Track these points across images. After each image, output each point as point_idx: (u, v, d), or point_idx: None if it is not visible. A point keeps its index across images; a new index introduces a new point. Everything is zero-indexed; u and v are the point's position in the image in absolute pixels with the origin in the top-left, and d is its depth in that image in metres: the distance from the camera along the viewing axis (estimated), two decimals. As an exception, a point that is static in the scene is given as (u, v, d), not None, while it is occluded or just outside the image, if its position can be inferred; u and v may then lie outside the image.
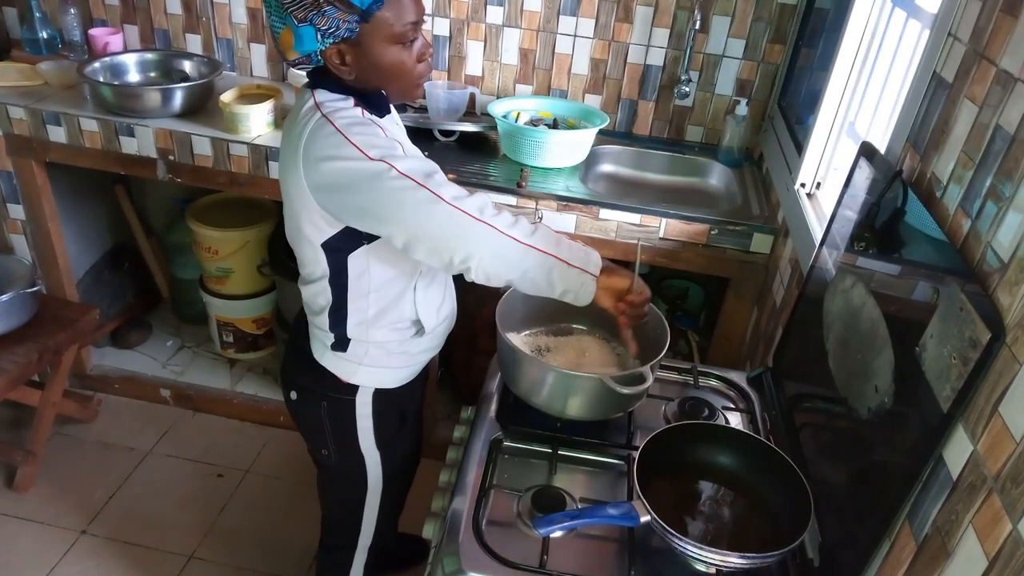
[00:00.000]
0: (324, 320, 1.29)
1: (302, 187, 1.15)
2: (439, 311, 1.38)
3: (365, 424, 1.38)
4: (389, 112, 1.27)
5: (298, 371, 1.39)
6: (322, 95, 1.17)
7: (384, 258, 1.23)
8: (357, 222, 1.16)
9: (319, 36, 1.10)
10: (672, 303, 2.37)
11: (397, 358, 1.35)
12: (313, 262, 1.24)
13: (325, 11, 1.07)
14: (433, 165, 1.16)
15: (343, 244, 1.20)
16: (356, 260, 1.22)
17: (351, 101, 1.18)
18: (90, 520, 2.10)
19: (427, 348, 1.40)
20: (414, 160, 1.15)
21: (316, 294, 1.28)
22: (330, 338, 1.31)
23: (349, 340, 1.31)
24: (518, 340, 1.40)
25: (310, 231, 1.20)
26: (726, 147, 2.17)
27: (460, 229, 1.11)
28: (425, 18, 1.19)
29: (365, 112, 1.18)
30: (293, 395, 1.41)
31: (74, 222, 2.37)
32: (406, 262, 1.24)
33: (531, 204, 1.89)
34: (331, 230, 1.18)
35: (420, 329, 1.34)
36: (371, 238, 1.19)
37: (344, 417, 1.37)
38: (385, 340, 1.31)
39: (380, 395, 1.37)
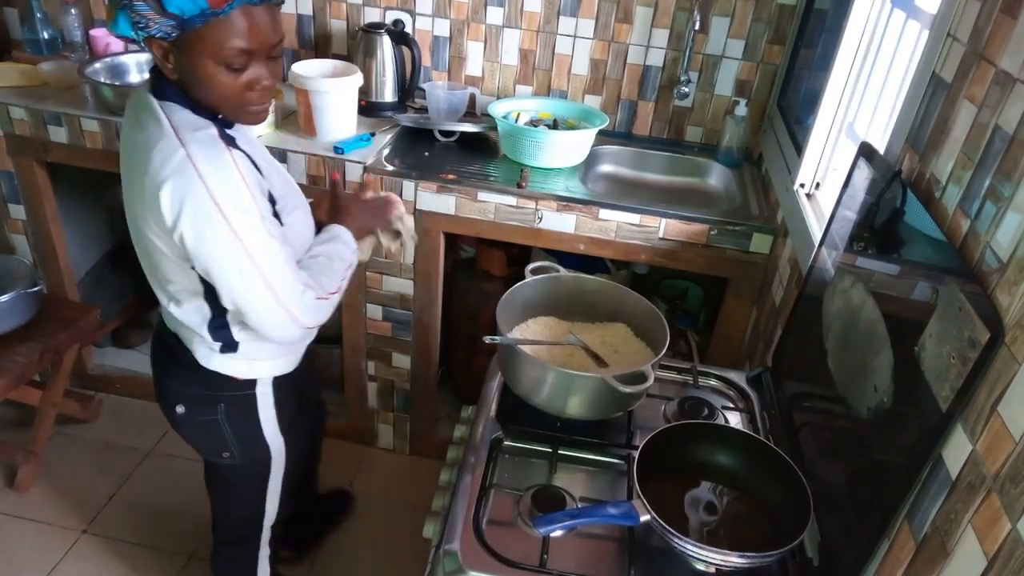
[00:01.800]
0: (205, 332, 1.26)
1: (159, 223, 1.11)
2: None
3: (267, 415, 1.38)
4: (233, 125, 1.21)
5: (181, 384, 1.34)
6: (176, 113, 1.11)
7: None
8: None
9: (133, 26, 1.05)
10: (672, 303, 2.37)
11: (275, 347, 1.33)
12: (182, 282, 1.21)
13: (136, 6, 1.02)
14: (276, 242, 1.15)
15: None
16: None
17: (212, 128, 1.12)
18: (91, 519, 2.10)
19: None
20: (267, 239, 1.14)
21: (191, 312, 1.24)
22: (216, 345, 1.28)
23: (237, 343, 1.29)
24: (528, 331, 1.40)
25: (170, 255, 1.17)
26: (725, 147, 2.17)
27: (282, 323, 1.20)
28: (276, 53, 1.11)
29: (222, 139, 1.12)
30: (180, 409, 1.35)
31: (75, 222, 2.37)
32: None
33: (531, 204, 1.90)
34: (172, 252, 1.17)
35: None
36: None
37: (244, 414, 1.36)
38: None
39: (278, 382, 1.38)
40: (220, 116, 1.16)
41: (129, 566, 1.99)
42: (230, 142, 1.14)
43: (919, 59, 1.19)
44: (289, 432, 1.43)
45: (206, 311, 1.24)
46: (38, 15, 2.30)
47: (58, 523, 2.08)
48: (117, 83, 2.13)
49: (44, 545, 2.01)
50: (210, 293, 1.21)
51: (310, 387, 1.61)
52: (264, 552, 1.60)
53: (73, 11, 2.30)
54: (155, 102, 1.12)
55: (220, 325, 1.26)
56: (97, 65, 2.11)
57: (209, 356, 1.30)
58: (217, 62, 1.06)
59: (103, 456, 2.30)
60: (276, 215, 1.20)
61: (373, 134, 2.03)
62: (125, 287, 2.66)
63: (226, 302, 1.18)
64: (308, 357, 1.51)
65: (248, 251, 1.11)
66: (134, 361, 2.59)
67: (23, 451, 2.14)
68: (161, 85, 1.13)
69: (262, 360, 1.34)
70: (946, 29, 1.11)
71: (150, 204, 1.10)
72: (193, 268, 1.17)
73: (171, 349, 1.32)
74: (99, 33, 2.29)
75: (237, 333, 1.28)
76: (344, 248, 1.32)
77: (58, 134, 2.06)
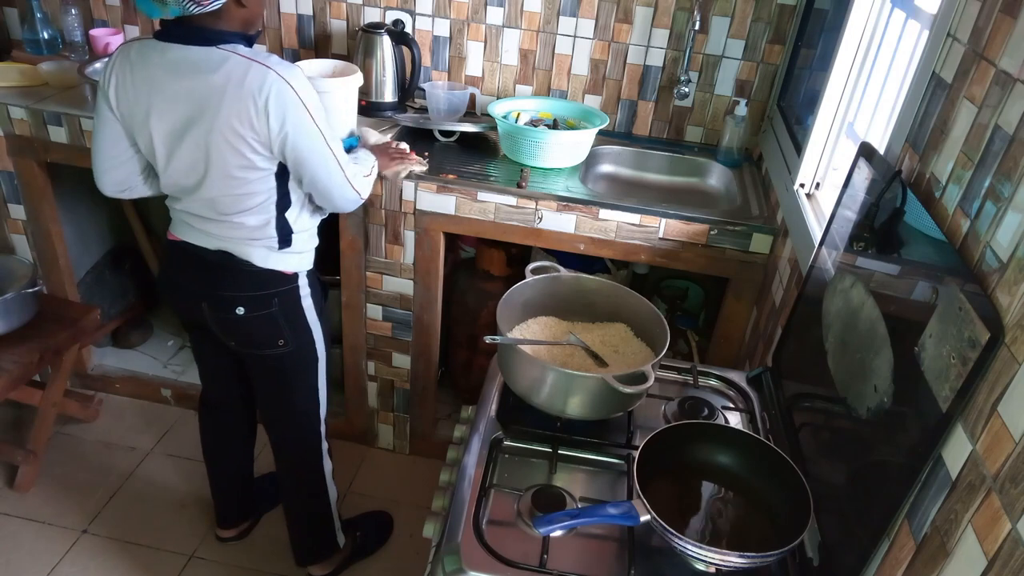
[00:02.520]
0: (270, 230, 1.52)
1: (263, 134, 1.37)
2: None
3: (308, 303, 1.64)
4: None
5: (240, 289, 1.56)
6: (242, 49, 1.37)
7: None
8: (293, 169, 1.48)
9: None
10: (672, 303, 2.37)
11: (312, 239, 1.64)
12: (262, 191, 1.47)
13: None
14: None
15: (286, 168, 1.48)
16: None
17: (273, 57, 1.38)
18: (91, 520, 2.10)
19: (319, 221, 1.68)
20: (333, 132, 1.48)
21: (262, 219, 1.50)
22: (275, 242, 1.54)
23: (292, 234, 1.56)
24: (528, 331, 1.40)
25: (252, 168, 1.43)
26: (725, 147, 2.17)
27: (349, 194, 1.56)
28: None
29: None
30: (241, 310, 1.57)
31: (75, 222, 2.37)
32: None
33: (531, 204, 1.90)
34: (265, 163, 1.44)
35: (316, 207, 1.61)
36: None
37: (293, 304, 1.62)
38: (308, 226, 1.60)
39: (309, 274, 1.65)
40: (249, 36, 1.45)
41: (129, 566, 1.99)
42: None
43: (919, 59, 1.20)
44: (321, 316, 1.69)
45: (273, 212, 1.51)
46: (38, 15, 2.30)
47: (58, 523, 2.08)
48: (117, 83, 2.13)
49: (44, 545, 2.02)
50: (282, 193, 1.50)
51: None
52: (324, 446, 1.84)
53: (73, 11, 2.30)
54: (215, 48, 1.35)
55: (283, 224, 1.53)
56: (97, 65, 2.11)
57: (267, 257, 1.55)
58: None
59: (103, 456, 2.30)
60: None
61: (358, 136, 2.01)
62: (125, 287, 2.66)
63: (307, 186, 1.50)
64: None
65: (326, 141, 1.44)
66: (134, 361, 2.59)
67: (23, 451, 2.14)
68: (211, 35, 1.36)
69: (301, 253, 1.60)
70: (946, 29, 1.11)
71: (254, 121, 1.36)
72: (276, 174, 1.46)
73: (224, 267, 1.55)
74: (99, 33, 2.29)
75: (293, 224, 1.55)
76: (364, 152, 1.70)
77: (58, 134, 2.06)
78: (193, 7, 1.30)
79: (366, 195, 1.60)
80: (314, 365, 1.72)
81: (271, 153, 1.41)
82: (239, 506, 2.07)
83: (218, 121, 1.36)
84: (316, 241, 1.67)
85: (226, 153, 1.39)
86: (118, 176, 1.56)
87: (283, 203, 1.52)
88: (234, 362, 1.78)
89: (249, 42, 1.41)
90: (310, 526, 1.92)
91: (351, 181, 1.53)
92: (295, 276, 1.61)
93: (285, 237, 1.55)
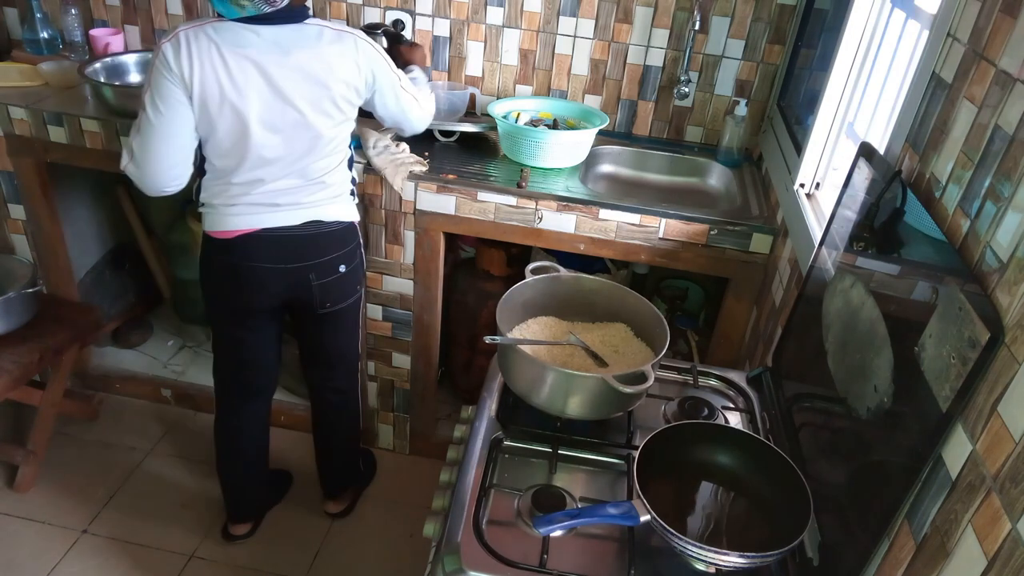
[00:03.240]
0: (346, 183, 1.73)
1: (362, 84, 1.61)
2: None
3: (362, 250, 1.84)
4: None
5: (339, 248, 1.73)
6: (322, 22, 1.57)
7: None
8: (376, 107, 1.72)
9: None
10: (672, 303, 2.37)
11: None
12: (340, 147, 1.66)
13: None
14: None
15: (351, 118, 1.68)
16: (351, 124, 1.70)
17: (342, 23, 1.64)
18: (91, 519, 2.10)
19: None
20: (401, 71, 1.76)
21: (339, 170, 1.69)
22: (349, 193, 1.74)
23: (355, 182, 1.77)
24: (528, 331, 1.40)
25: (346, 121, 1.64)
26: (725, 147, 2.17)
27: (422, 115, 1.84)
28: None
29: None
30: (342, 268, 1.74)
31: (75, 222, 2.37)
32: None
33: (531, 204, 1.90)
34: (353, 112, 1.65)
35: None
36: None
37: (362, 251, 1.83)
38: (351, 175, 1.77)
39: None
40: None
41: (129, 566, 1.99)
42: None
43: (919, 59, 1.19)
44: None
45: (346, 165, 1.71)
46: (38, 15, 2.30)
47: (58, 523, 2.08)
48: (117, 83, 2.14)
49: (44, 545, 2.02)
50: (348, 145, 1.71)
51: None
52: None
53: (73, 11, 2.30)
54: (303, 24, 1.53)
55: (351, 176, 1.75)
56: (97, 65, 2.12)
57: (347, 211, 1.73)
58: None
59: (103, 456, 2.30)
60: None
61: (358, 136, 2.01)
62: (125, 287, 2.66)
63: (389, 121, 1.77)
64: None
65: (400, 78, 1.69)
66: (134, 361, 2.59)
67: (23, 451, 2.14)
68: (295, 14, 1.52)
69: (357, 203, 1.78)
70: (946, 29, 1.11)
71: (356, 75, 1.59)
72: (351, 123, 1.67)
73: (319, 235, 1.68)
74: (99, 33, 2.29)
75: (351, 173, 1.77)
76: (419, 71, 1.92)
77: (58, 134, 2.06)
78: (266, 7, 1.44)
79: (434, 109, 1.86)
80: (363, 302, 1.99)
81: (361, 100, 1.65)
82: (258, 499, 2.10)
83: (333, 84, 1.55)
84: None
85: (332, 112, 1.58)
86: (181, 169, 1.56)
87: (350, 157, 1.73)
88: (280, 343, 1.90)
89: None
90: (348, 457, 2.13)
91: (423, 103, 1.80)
92: (356, 226, 1.78)
93: (352, 187, 1.76)
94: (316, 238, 1.68)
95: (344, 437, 2.09)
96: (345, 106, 1.60)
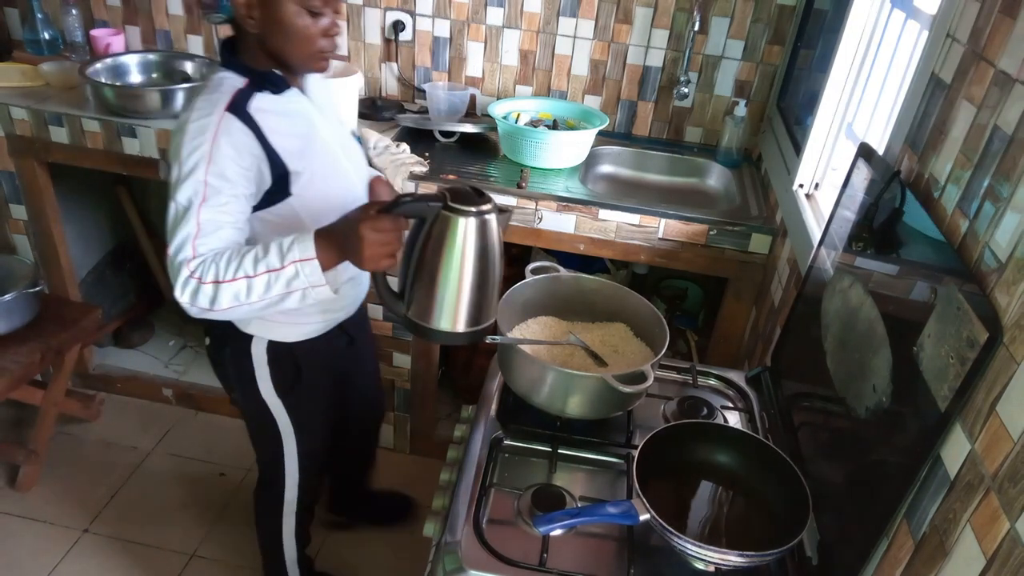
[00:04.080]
0: None
1: None
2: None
3: (262, 373, 1.44)
4: (288, 88, 1.29)
5: (211, 321, 1.29)
6: (220, 73, 1.24)
7: (263, 219, 1.28)
8: None
9: None
10: (671, 303, 2.38)
11: (286, 314, 1.33)
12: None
13: None
14: (193, 194, 1.14)
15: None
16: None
17: (241, 81, 1.22)
18: (92, 519, 2.10)
19: (322, 309, 1.42)
20: (188, 189, 1.15)
21: None
22: None
23: None
24: (528, 331, 1.40)
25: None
26: (725, 148, 2.17)
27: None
28: (341, 10, 1.26)
29: (244, 99, 1.21)
30: (207, 340, 1.48)
31: (76, 222, 2.37)
32: (285, 225, 1.26)
33: (531, 204, 1.90)
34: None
35: None
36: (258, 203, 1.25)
37: (243, 363, 1.44)
38: None
39: (274, 346, 1.43)
40: (285, 69, 1.27)
41: (130, 565, 1.99)
42: (240, 107, 1.20)
43: (918, 59, 1.20)
44: (287, 398, 1.49)
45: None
46: (38, 15, 2.30)
47: (59, 522, 2.08)
48: (118, 83, 2.14)
49: (45, 544, 2.02)
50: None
51: (328, 372, 1.57)
52: (289, 521, 1.70)
53: (74, 11, 2.30)
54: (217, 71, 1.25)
55: None
56: (98, 65, 2.12)
57: None
58: (301, 6, 1.18)
59: (104, 456, 2.31)
60: (282, 181, 1.25)
61: (360, 136, 2.02)
62: (126, 287, 2.67)
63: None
64: (346, 341, 1.55)
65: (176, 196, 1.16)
66: (135, 361, 2.59)
67: (24, 451, 2.14)
68: (226, 54, 1.26)
69: (258, 320, 1.38)
70: (945, 29, 1.11)
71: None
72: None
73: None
74: (99, 33, 2.29)
75: None
76: (279, 252, 1.13)
77: (59, 134, 2.06)
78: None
79: (184, 299, 1.14)
80: (277, 437, 1.63)
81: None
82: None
83: None
84: (294, 315, 1.42)
85: None
86: None
87: None
88: None
89: (255, 73, 1.29)
90: (370, 476, 2.05)
91: (171, 261, 1.15)
92: (248, 337, 1.47)
93: None
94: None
95: (372, 459, 2.06)
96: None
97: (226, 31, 1.25)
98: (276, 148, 1.23)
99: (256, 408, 1.50)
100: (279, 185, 1.25)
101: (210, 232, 1.14)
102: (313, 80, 1.37)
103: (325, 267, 1.12)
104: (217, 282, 1.12)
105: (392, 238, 1.10)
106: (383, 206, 1.11)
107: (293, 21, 1.18)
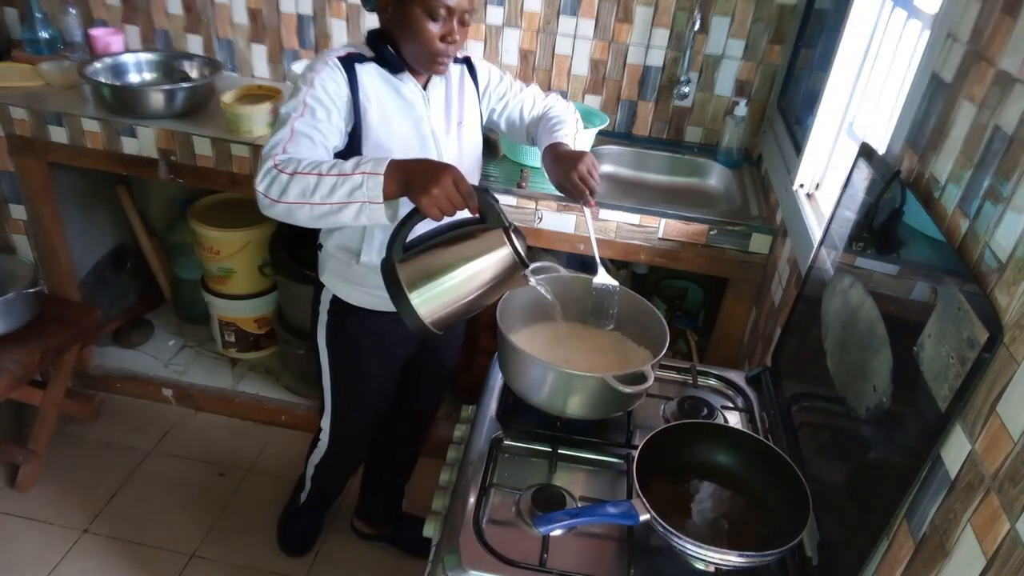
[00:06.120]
0: None
1: None
2: (381, 250, 1.39)
3: (323, 318, 1.60)
4: (402, 71, 1.40)
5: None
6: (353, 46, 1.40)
7: None
8: None
9: None
10: (671, 303, 2.37)
11: (351, 275, 1.52)
12: None
13: None
14: (285, 134, 1.28)
15: None
16: None
17: (368, 52, 1.39)
18: (92, 519, 2.10)
19: (376, 284, 1.34)
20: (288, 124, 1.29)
21: None
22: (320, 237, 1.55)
23: (321, 245, 1.56)
24: (524, 337, 1.40)
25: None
26: (725, 148, 2.17)
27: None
28: (467, 20, 1.35)
29: (368, 66, 1.37)
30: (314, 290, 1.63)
31: (76, 222, 2.37)
32: None
33: (531, 204, 1.90)
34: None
35: (357, 258, 1.48)
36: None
37: (316, 308, 1.62)
38: (336, 254, 1.52)
39: (336, 302, 1.57)
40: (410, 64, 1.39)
41: (130, 566, 1.99)
42: (348, 62, 1.36)
43: (919, 59, 1.20)
44: (333, 350, 1.63)
45: None
46: (38, 15, 2.30)
47: (59, 523, 2.08)
48: (117, 83, 2.14)
49: (45, 545, 2.02)
50: None
51: (386, 355, 1.67)
52: (306, 480, 1.95)
53: (73, 11, 2.30)
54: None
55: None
56: (97, 65, 2.12)
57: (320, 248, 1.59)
58: (424, 10, 1.30)
59: (104, 456, 2.31)
60: (355, 133, 1.37)
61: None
62: (126, 287, 2.67)
63: None
64: (409, 337, 1.56)
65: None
66: (135, 361, 2.59)
67: (24, 451, 2.14)
68: (371, 36, 1.41)
69: (328, 272, 1.57)
70: (946, 29, 1.11)
71: None
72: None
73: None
74: (99, 33, 2.29)
75: (322, 234, 1.58)
76: (354, 162, 1.21)
77: (59, 134, 2.06)
78: None
79: (261, 187, 1.23)
80: (321, 386, 1.78)
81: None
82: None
83: None
84: (357, 281, 1.56)
85: None
86: None
87: None
88: None
89: (380, 51, 1.41)
90: (402, 485, 2.10)
91: (263, 156, 1.27)
92: (321, 284, 1.65)
93: (321, 238, 1.62)
94: None
95: (411, 462, 2.09)
96: None
97: (373, 22, 1.44)
98: (361, 103, 1.36)
99: (315, 348, 1.66)
100: (353, 135, 1.37)
101: (300, 141, 1.28)
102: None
103: (387, 193, 1.18)
104: (293, 173, 1.21)
105: (459, 202, 1.16)
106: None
107: (416, 22, 1.30)
